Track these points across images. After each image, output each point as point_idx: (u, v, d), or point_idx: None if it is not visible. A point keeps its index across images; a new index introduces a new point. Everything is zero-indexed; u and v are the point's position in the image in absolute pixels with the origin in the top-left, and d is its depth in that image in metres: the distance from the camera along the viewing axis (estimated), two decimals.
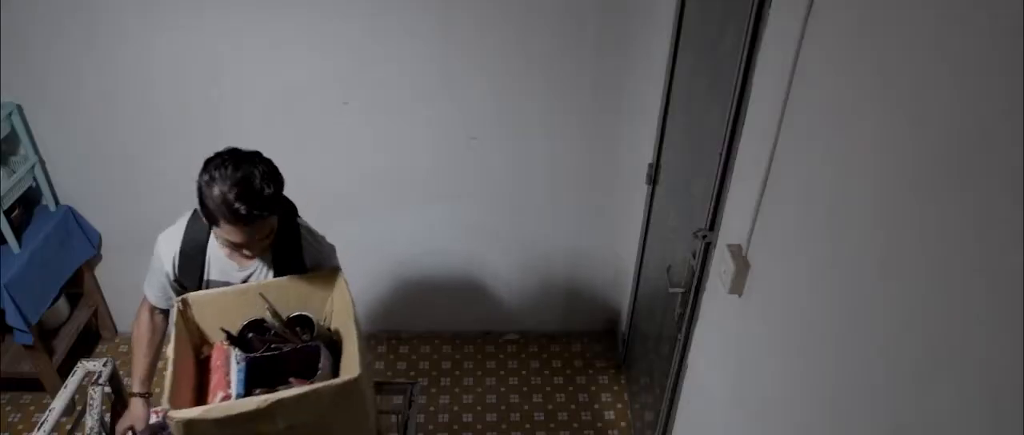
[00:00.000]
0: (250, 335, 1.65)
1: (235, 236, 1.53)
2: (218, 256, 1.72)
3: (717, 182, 1.59)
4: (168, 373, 1.48)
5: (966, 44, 0.78)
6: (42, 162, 2.68)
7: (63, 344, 2.80)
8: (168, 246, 1.71)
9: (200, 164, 2.97)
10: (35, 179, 2.67)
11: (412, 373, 3.04)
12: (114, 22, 2.34)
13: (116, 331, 3.17)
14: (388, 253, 2.93)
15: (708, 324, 1.74)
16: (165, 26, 2.34)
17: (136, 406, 1.82)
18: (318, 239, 1.81)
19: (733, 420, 1.55)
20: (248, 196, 1.47)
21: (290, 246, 1.73)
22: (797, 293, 1.23)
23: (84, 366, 1.96)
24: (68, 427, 2.00)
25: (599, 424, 2.83)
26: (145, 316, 1.82)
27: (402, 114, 2.55)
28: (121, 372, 2.07)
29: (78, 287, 2.96)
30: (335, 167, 2.68)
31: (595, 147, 2.63)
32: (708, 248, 1.68)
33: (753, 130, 1.42)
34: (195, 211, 1.67)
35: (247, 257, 1.66)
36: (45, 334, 2.77)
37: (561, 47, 2.38)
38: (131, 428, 1.82)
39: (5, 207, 2.48)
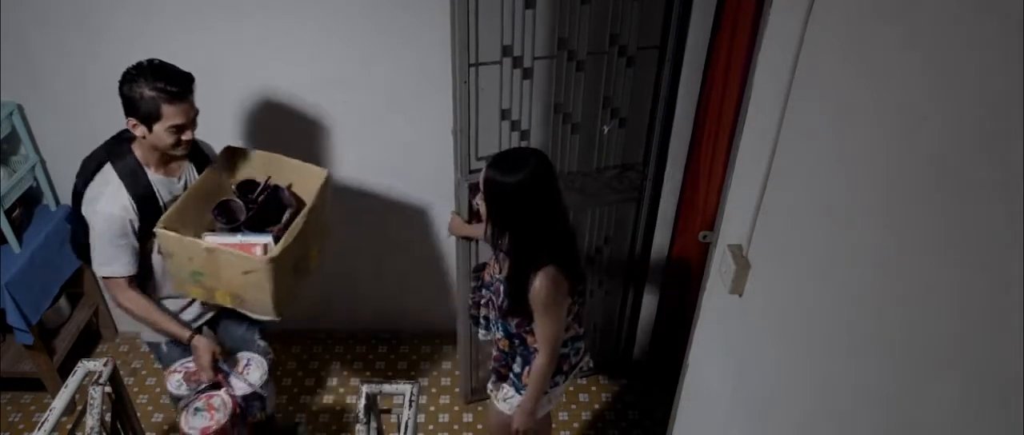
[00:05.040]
0: (232, 202, 1.92)
1: (178, 117, 1.73)
2: (158, 179, 1.86)
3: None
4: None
5: (965, 43, 0.78)
6: (43, 162, 2.68)
7: (64, 344, 2.80)
8: (116, 202, 1.77)
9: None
10: (36, 179, 2.68)
11: (412, 373, 3.05)
12: (115, 22, 2.34)
13: (116, 331, 3.17)
14: (389, 253, 2.93)
15: (708, 324, 1.74)
16: (166, 26, 2.34)
17: (201, 342, 1.94)
18: (205, 143, 2.05)
19: (734, 420, 1.55)
20: (172, 76, 1.72)
21: (195, 149, 1.94)
22: (798, 293, 1.23)
23: (85, 366, 1.96)
24: (69, 427, 2.00)
25: (599, 423, 2.83)
26: (133, 292, 1.88)
27: (403, 113, 2.55)
28: (122, 372, 2.07)
29: (78, 287, 2.96)
30: (335, 167, 2.68)
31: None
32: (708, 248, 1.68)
33: (753, 130, 1.43)
34: (110, 164, 1.81)
35: (185, 144, 1.80)
36: (46, 334, 2.77)
37: None
38: (213, 356, 1.95)
39: (6, 207, 2.49)
